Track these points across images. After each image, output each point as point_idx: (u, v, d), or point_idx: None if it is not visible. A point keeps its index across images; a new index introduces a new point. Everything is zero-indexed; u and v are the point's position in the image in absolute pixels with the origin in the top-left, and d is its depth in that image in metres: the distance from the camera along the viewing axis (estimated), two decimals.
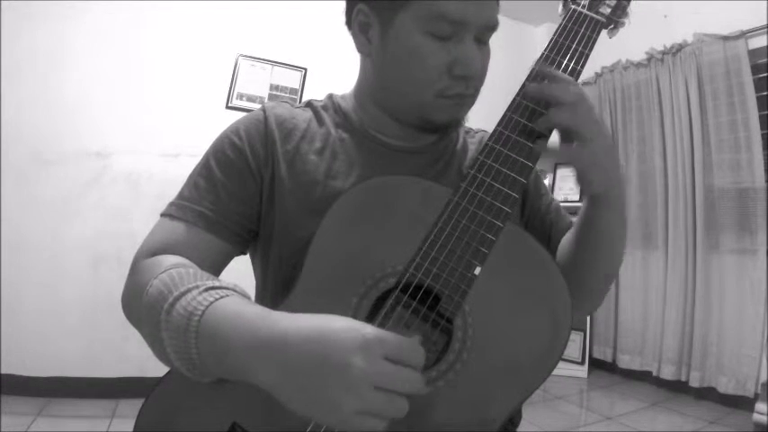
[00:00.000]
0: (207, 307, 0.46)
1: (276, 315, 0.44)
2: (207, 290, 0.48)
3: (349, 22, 0.65)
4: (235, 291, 0.50)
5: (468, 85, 0.60)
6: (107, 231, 2.28)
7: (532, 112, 0.55)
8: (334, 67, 2.35)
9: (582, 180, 0.54)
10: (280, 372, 0.41)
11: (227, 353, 0.44)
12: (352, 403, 0.38)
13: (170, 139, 2.42)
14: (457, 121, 0.65)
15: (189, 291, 0.48)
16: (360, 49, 0.65)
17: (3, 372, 2.07)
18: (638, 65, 2.96)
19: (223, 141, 0.65)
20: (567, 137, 0.54)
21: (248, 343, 0.43)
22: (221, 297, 0.47)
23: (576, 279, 0.59)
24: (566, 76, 0.55)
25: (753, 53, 2.44)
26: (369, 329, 0.40)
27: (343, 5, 0.65)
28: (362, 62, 0.68)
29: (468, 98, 0.62)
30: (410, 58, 0.58)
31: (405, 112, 0.64)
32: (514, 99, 0.57)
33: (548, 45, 0.59)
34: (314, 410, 0.40)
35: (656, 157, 2.84)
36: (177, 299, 0.47)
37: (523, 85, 0.57)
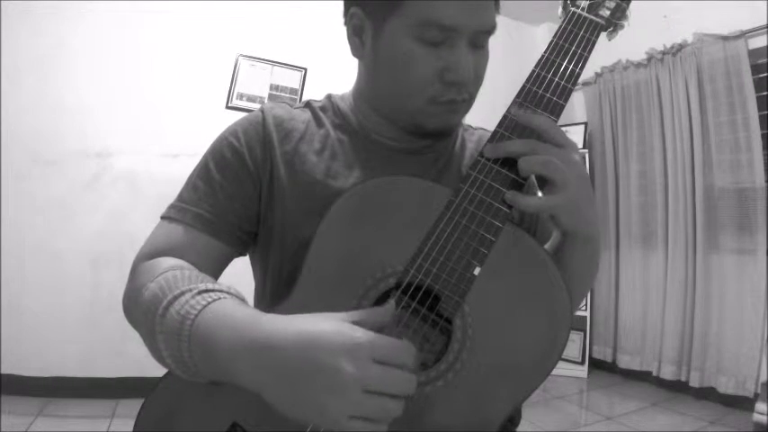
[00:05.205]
0: (199, 311, 0.46)
1: (266, 318, 0.44)
2: (200, 293, 0.48)
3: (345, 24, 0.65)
4: (229, 293, 0.50)
5: (460, 90, 0.59)
6: (107, 232, 2.28)
7: (533, 113, 0.55)
8: (334, 67, 2.34)
9: (552, 220, 0.54)
10: (267, 375, 0.41)
11: (217, 356, 0.44)
12: (342, 407, 0.38)
13: (170, 139, 2.42)
14: (451, 128, 0.64)
15: (182, 294, 0.48)
16: (354, 52, 0.65)
17: (3, 372, 2.07)
18: (638, 65, 2.96)
19: (221, 143, 0.65)
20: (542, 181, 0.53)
21: (235, 346, 0.43)
22: (214, 300, 0.47)
23: None
24: (541, 121, 0.53)
25: (753, 53, 2.44)
26: (359, 332, 0.40)
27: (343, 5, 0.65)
28: (359, 64, 0.68)
29: (461, 104, 0.60)
30: (401, 64, 0.58)
31: (398, 116, 0.63)
32: (515, 100, 0.57)
33: (547, 47, 0.58)
34: (303, 413, 0.40)
35: (656, 157, 2.84)
36: (171, 302, 0.47)
37: (523, 86, 0.57)
